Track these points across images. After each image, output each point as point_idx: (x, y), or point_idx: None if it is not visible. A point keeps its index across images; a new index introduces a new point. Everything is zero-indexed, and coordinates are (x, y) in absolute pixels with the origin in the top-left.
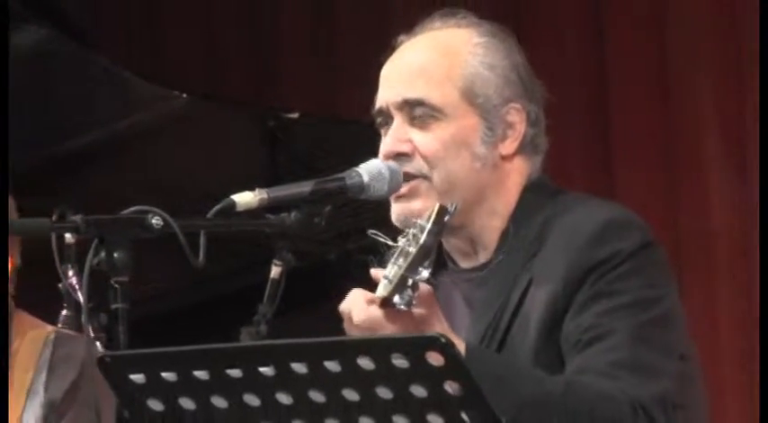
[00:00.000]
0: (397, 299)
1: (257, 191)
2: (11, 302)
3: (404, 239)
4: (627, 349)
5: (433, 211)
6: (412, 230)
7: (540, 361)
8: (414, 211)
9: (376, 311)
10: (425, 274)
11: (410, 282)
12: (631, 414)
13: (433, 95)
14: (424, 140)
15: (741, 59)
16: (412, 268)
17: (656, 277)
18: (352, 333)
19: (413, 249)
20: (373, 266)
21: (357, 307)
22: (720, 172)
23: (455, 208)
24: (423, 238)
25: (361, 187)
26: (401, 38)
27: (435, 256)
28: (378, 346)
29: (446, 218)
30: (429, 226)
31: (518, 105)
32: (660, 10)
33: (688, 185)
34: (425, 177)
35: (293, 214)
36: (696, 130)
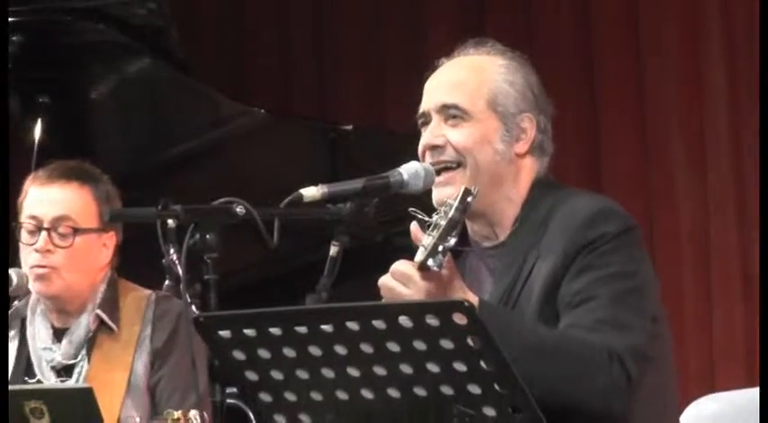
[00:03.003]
0: (430, 262)
1: (320, 186)
2: (114, 272)
3: (437, 215)
4: (608, 309)
5: (459, 192)
6: (443, 208)
7: (542, 319)
8: (449, 195)
9: (411, 270)
10: (452, 242)
11: (441, 248)
12: (608, 360)
13: (464, 102)
14: (457, 135)
15: (701, 77)
16: (442, 237)
17: (634, 255)
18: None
19: (443, 222)
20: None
21: (396, 265)
22: (685, 176)
23: (477, 191)
24: (451, 213)
25: (402, 184)
26: (442, 60)
27: (460, 235)
28: (415, 308)
29: (469, 198)
30: (456, 204)
31: (530, 115)
32: (637, 36)
33: (659, 186)
34: (459, 164)
35: (348, 205)
36: (666, 144)
